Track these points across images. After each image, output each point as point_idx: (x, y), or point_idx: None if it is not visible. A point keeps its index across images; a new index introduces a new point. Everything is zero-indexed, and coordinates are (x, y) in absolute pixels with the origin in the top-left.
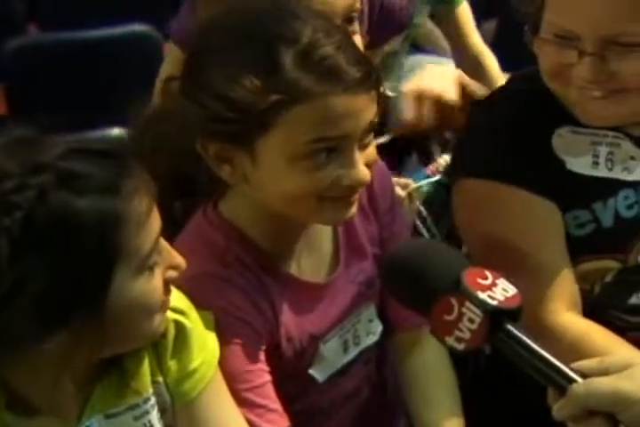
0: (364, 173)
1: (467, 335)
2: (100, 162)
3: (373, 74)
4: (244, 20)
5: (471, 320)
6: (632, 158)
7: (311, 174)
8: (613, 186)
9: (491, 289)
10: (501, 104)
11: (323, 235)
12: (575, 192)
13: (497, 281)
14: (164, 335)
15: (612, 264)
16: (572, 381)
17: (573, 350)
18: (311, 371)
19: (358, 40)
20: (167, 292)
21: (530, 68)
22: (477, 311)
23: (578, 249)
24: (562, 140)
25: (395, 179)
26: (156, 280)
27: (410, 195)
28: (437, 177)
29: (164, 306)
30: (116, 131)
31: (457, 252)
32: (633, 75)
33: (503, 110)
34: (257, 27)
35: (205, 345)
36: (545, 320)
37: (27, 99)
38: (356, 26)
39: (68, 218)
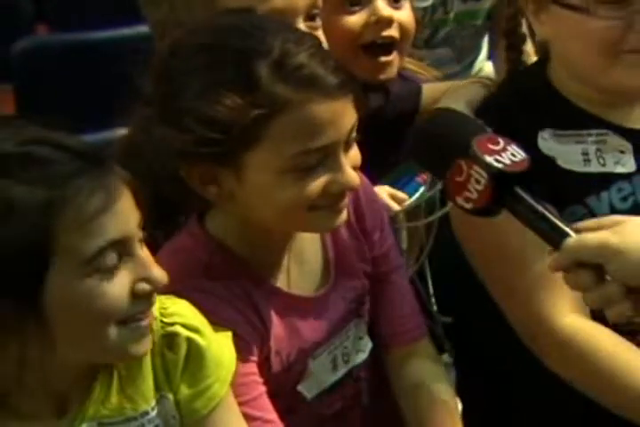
0: (352, 176)
1: (474, 195)
2: (62, 156)
3: (349, 79)
4: (212, 40)
5: (478, 181)
6: (621, 152)
7: (301, 185)
8: (606, 179)
9: (499, 154)
10: (496, 104)
11: (310, 248)
12: (568, 188)
13: (508, 147)
14: (174, 352)
15: None
16: (567, 236)
17: (581, 353)
18: (299, 387)
19: (320, 36)
20: (139, 304)
21: (535, 62)
22: (483, 173)
23: None
24: (547, 142)
25: (392, 191)
26: (113, 287)
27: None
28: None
29: (138, 320)
30: (124, 132)
31: (478, 121)
32: None
33: (493, 113)
34: (226, 44)
35: (221, 362)
36: (551, 323)
37: (35, 99)
38: (318, 22)
39: (4, 203)
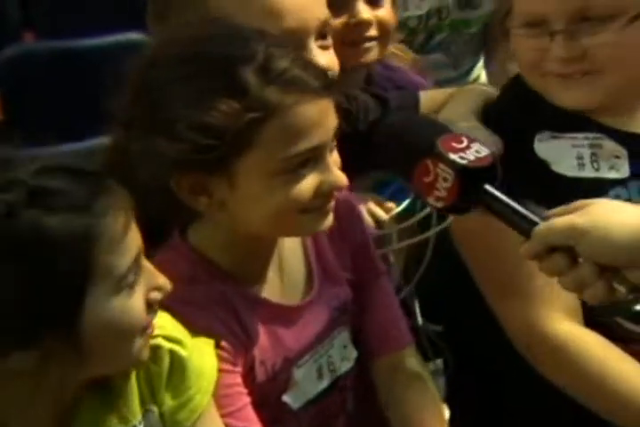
0: (340, 176)
1: (443, 194)
2: (74, 179)
3: (332, 82)
4: (195, 49)
5: (445, 179)
6: (616, 157)
7: (292, 187)
8: (603, 185)
9: (463, 151)
10: (496, 108)
11: (293, 257)
12: (564, 194)
13: (471, 144)
14: (157, 364)
15: None
16: (537, 224)
17: (572, 358)
18: (285, 397)
19: (332, 54)
20: (151, 313)
21: None
22: (449, 171)
23: None
24: (543, 145)
25: (379, 201)
26: (136, 300)
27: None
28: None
29: (147, 329)
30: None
31: (440, 123)
32: (602, 47)
33: (493, 117)
34: (210, 52)
35: (202, 373)
36: (545, 331)
37: (22, 107)
38: (329, 40)
39: (37, 235)
